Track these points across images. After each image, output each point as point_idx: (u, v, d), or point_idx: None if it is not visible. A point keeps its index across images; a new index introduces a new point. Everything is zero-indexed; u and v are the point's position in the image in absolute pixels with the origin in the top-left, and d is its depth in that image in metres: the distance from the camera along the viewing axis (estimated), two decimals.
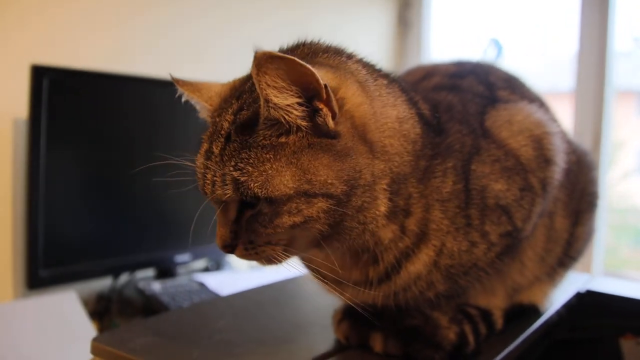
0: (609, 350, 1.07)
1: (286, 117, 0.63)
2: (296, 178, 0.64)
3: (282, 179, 0.63)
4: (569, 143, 0.94)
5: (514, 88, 0.92)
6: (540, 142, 0.82)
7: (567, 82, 2.41)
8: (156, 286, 1.71)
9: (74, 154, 1.60)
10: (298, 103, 0.63)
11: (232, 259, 2.07)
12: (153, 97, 1.74)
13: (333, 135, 0.65)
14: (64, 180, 1.56)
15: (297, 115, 0.63)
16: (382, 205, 0.69)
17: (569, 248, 0.96)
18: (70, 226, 1.59)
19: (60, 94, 1.52)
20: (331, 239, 0.70)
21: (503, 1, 2.92)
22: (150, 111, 1.75)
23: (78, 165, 1.61)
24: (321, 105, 0.63)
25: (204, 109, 0.76)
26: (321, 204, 0.65)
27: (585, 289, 1.09)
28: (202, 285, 1.78)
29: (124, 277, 1.76)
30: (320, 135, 0.65)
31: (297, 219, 0.65)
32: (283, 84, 0.61)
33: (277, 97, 0.62)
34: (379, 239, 0.72)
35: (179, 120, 1.73)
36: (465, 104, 0.82)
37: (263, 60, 0.60)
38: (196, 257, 1.89)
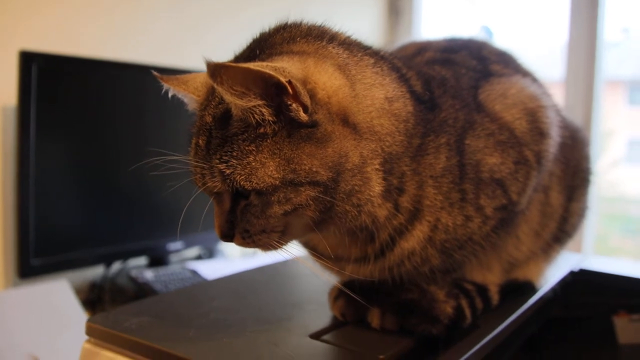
0: (603, 328, 1.08)
1: (254, 116, 0.63)
2: (280, 168, 0.64)
3: (267, 171, 0.64)
4: (562, 118, 0.95)
5: (507, 62, 0.92)
6: (534, 115, 0.82)
7: (558, 72, 2.42)
8: (149, 274, 1.70)
9: (65, 142, 1.58)
10: (263, 104, 0.63)
11: (225, 246, 2.06)
12: (144, 84, 1.73)
13: (310, 125, 0.65)
14: (55, 168, 1.55)
15: (265, 114, 0.63)
16: (377, 186, 0.69)
17: (564, 223, 0.96)
18: (62, 214, 1.58)
19: (49, 80, 1.50)
20: (326, 224, 0.70)
21: None
22: (142, 98, 1.74)
23: (69, 153, 1.60)
24: (290, 101, 0.63)
25: (192, 100, 0.76)
26: (309, 192, 0.65)
27: (579, 268, 1.10)
28: (194, 273, 1.77)
29: (116, 266, 1.75)
30: (297, 126, 0.65)
31: (287, 207, 0.66)
32: (242, 90, 0.61)
33: (240, 101, 0.62)
34: (376, 217, 0.72)
35: (170, 107, 1.71)
36: (458, 78, 0.82)
37: (216, 72, 0.60)
38: (188, 245, 1.88)
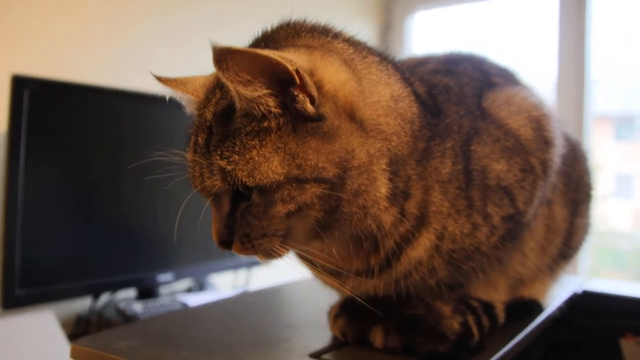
0: (610, 351, 1.04)
1: (259, 107, 0.61)
2: (285, 163, 0.61)
3: (270, 166, 0.61)
4: (563, 130, 0.94)
5: (508, 76, 0.92)
6: (539, 123, 0.81)
7: None
8: (137, 307, 1.65)
9: (54, 169, 1.55)
10: (269, 94, 0.61)
11: (215, 279, 2.01)
12: (137, 111, 1.71)
13: (317, 118, 0.63)
14: (43, 196, 1.51)
15: (271, 105, 0.61)
16: (383, 187, 0.67)
17: (569, 239, 0.94)
18: (49, 244, 1.53)
19: (41, 106, 1.48)
20: (331, 228, 0.67)
21: (483, 28, 2.98)
22: (136, 126, 1.72)
23: (58, 181, 1.56)
24: (296, 92, 0.61)
25: (190, 102, 0.75)
26: (314, 189, 0.62)
27: (582, 290, 1.07)
28: (184, 306, 1.72)
29: (104, 298, 1.70)
30: (303, 119, 0.62)
31: (291, 206, 0.63)
32: (248, 77, 0.59)
33: (245, 90, 0.60)
34: (381, 223, 0.69)
35: (164, 135, 1.70)
36: (461, 86, 0.81)
37: (222, 57, 0.58)
38: (179, 277, 1.83)
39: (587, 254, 2.40)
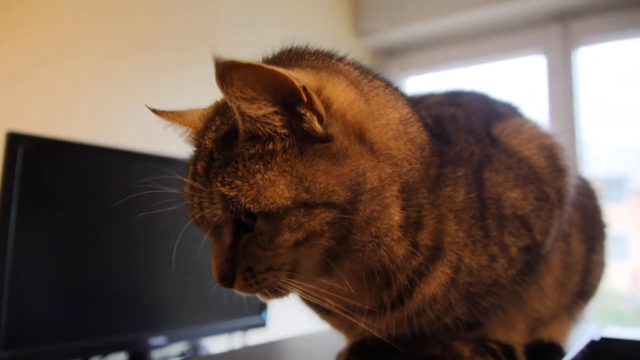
0: None
1: (264, 128, 0.58)
2: (292, 187, 0.58)
3: (277, 190, 0.57)
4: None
5: (513, 109, 0.91)
6: (551, 151, 0.79)
7: None
8: None
9: (46, 228, 1.51)
10: (274, 112, 0.58)
11: (210, 343, 1.93)
12: (132, 171, 1.69)
13: (325, 139, 0.59)
14: (33, 255, 1.46)
15: (276, 125, 0.58)
16: (396, 215, 0.63)
17: (587, 276, 0.91)
18: (36, 304, 1.46)
19: (35, 164, 1.46)
20: (342, 259, 0.63)
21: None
22: (129, 186, 1.69)
23: (49, 240, 1.52)
24: (304, 110, 0.58)
25: (187, 133, 0.72)
26: (324, 215, 0.58)
27: (599, 337, 1.03)
28: None
29: None
30: (310, 141, 0.59)
31: (299, 234, 0.58)
32: (253, 94, 0.56)
33: (249, 108, 0.57)
34: (393, 255, 0.65)
35: (158, 195, 1.67)
36: (468, 116, 0.80)
37: (226, 71, 0.55)
38: (172, 340, 1.75)
39: (591, 315, 2.35)
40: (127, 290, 1.65)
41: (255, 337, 1.99)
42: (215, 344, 1.96)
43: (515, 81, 3.01)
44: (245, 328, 1.92)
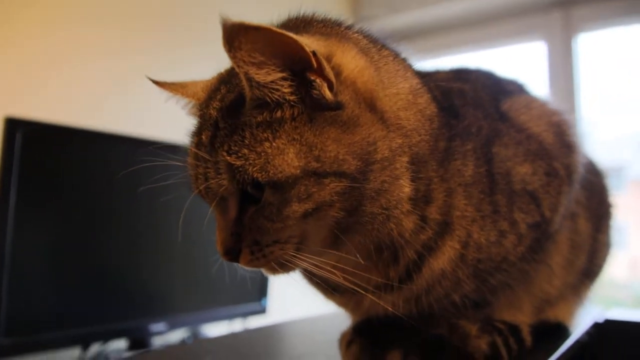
0: None
1: (272, 95, 0.56)
2: (302, 155, 0.56)
3: (286, 158, 0.56)
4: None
5: (520, 86, 0.90)
6: (560, 128, 0.78)
7: None
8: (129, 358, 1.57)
9: (45, 214, 1.50)
10: (283, 78, 0.56)
11: (210, 330, 1.93)
12: (133, 157, 1.68)
13: (335, 106, 0.58)
14: (33, 242, 1.45)
15: (285, 92, 0.57)
16: (406, 186, 0.62)
17: (593, 256, 0.91)
18: (37, 291, 1.46)
19: (33, 149, 1.45)
20: (352, 232, 0.61)
21: None
22: (129, 172, 1.68)
23: (48, 226, 1.51)
24: (313, 76, 0.56)
25: (189, 105, 0.70)
26: (334, 185, 0.56)
27: (604, 319, 1.03)
28: None
29: (94, 348, 1.61)
30: (320, 108, 0.57)
31: (308, 205, 0.57)
32: (262, 58, 0.54)
33: (258, 73, 0.55)
34: (402, 229, 0.64)
35: (160, 181, 1.66)
36: (476, 91, 0.78)
37: (234, 33, 0.52)
38: (172, 326, 1.75)
39: (591, 302, 2.35)
40: (127, 276, 1.65)
41: (255, 324, 1.99)
42: (216, 330, 1.96)
43: (515, 67, 2.99)
44: (245, 314, 1.92)
